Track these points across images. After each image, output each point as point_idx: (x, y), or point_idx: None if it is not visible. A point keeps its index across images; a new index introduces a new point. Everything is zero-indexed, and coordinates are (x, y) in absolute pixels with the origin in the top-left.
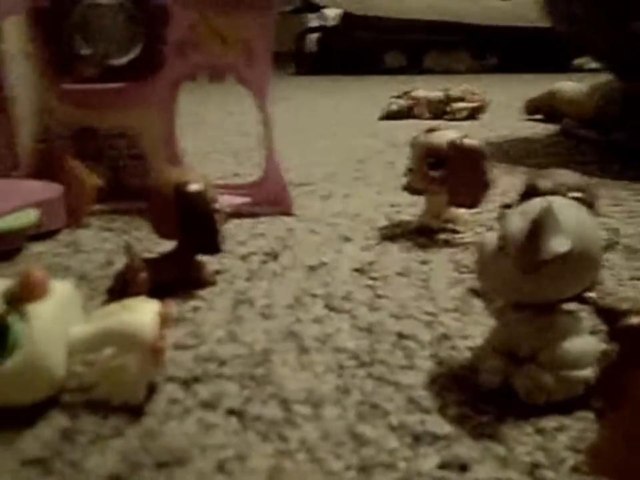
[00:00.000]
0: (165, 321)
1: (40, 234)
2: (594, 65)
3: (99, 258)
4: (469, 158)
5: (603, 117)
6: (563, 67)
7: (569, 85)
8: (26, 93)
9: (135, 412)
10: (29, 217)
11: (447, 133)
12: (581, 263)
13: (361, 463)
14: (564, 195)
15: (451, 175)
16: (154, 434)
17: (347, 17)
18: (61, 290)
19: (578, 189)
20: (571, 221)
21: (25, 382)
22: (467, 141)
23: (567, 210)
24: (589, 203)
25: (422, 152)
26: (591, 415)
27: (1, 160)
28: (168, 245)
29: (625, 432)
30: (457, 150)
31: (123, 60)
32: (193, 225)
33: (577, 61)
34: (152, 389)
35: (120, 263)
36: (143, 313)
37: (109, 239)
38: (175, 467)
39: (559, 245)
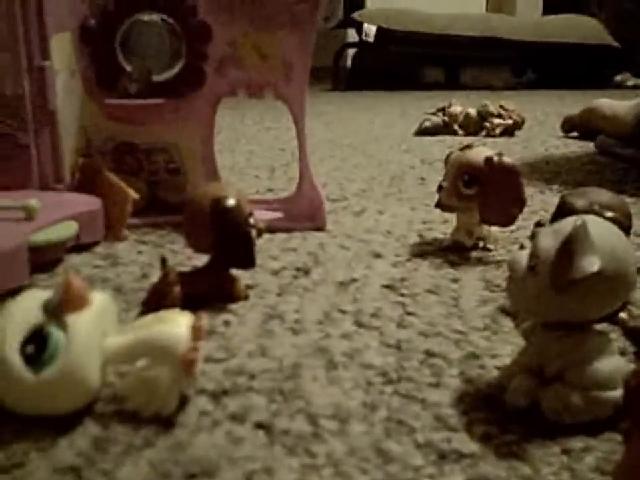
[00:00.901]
0: (198, 333)
1: (79, 246)
2: (635, 81)
3: (135, 270)
4: (504, 176)
5: None
6: (603, 83)
7: (606, 102)
8: (70, 108)
9: (165, 423)
10: (68, 229)
11: (483, 151)
12: (613, 283)
13: (386, 479)
14: (598, 214)
15: (485, 192)
16: (184, 445)
17: (382, 32)
18: (99, 301)
19: (612, 208)
20: (604, 241)
21: (61, 391)
22: (503, 159)
23: (600, 229)
24: (623, 222)
25: (457, 169)
26: (618, 437)
27: (44, 173)
28: (202, 259)
29: None
30: (492, 167)
31: (165, 76)
32: (228, 239)
33: (618, 78)
34: (183, 401)
35: (155, 275)
36: (176, 325)
37: (144, 252)
38: (203, 478)
39: (590, 264)
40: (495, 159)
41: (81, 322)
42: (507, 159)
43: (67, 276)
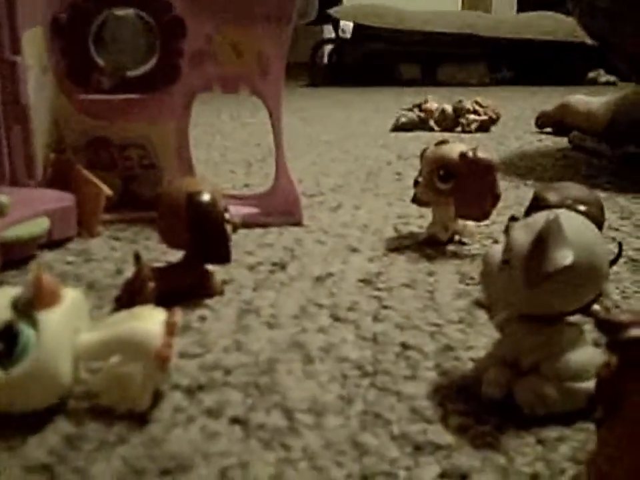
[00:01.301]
0: (171, 329)
1: (51, 242)
2: (607, 78)
3: (109, 267)
4: (480, 170)
5: (615, 130)
6: (576, 80)
7: (580, 99)
8: (42, 104)
9: (139, 419)
10: (40, 225)
11: (458, 146)
12: (586, 275)
13: (362, 472)
14: (571, 208)
15: (460, 187)
16: (158, 441)
17: (359, 29)
18: (71, 297)
19: (585, 202)
20: (577, 234)
21: (32, 388)
22: (478, 154)
23: (573, 223)
24: (596, 216)
25: (432, 164)
26: (592, 426)
27: (16, 169)
28: (177, 255)
29: (623, 442)
30: (467, 162)
31: (139, 71)
32: (203, 235)
33: (592, 75)
34: (157, 397)
35: (129, 271)
36: (149, 321)
37: (118, 248)
38: (178, 474)
39: (563, 257)
40: (470, 153)
41: (51, 319)
42: (481, 154)
43: (37, 272)
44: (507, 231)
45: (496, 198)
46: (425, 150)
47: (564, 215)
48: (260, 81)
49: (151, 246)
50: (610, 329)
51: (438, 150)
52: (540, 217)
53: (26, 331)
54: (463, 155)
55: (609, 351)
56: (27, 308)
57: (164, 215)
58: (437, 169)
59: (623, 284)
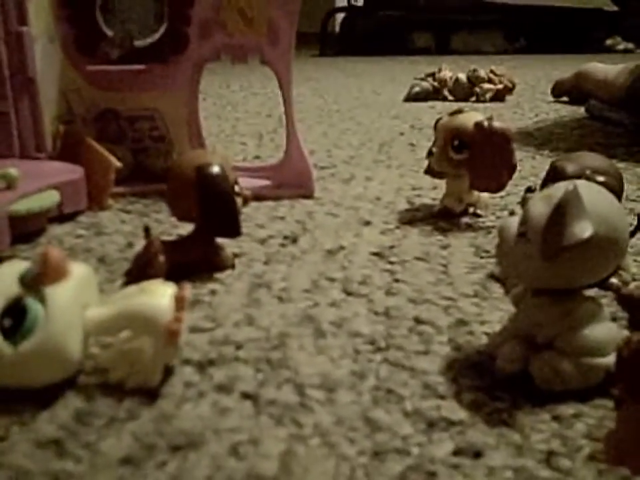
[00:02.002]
0: (181, 304)
1: (61, 216)
2: (625, 45)
3: (119, 240)
4: (495, 140)
5: (633, 98)
6: (593, 47)
7: (598, 66)
8: (50, 75)
9: (149, 395)
10: (50, 198)
11: (473, 115)
12: (605, 248)
13: (374, 448)
14: (589, 179)
15: (475, 157)
16: (168, 417)
17: None
18: (79, 271)
19: (604, 173)
20: (596, 206)
21: (41, 363)
22: (494, 123)
23: (592, 194)
24: (615, 187)
25: (447, 134)
26: (609, 403)
27: (25, 141)
28: (187, 228)
29: None
30: (483, 132)
31: (147, 41)
32: (212, 207)
33: (609, 42)
34: (168, 372)
35: (139, 245)
36: (159, 296)
37: (129, 222)
38: (188, 450)
39: (582, 230)
40: (485, 123)
41: (59, 294)
42: (497, 124)
43: (45, 247)
44: (523, 202)
45: (512, 169)
46: (438, 120)
47: (583, 186)
48: (269, 50)
49: (161, 219)
50: (633, 304)
51: (452, 119)
52: (558, 188)
53: (34, 306)
54: (478, 125)
55: (631, 328)
56: (34, 283)
57: (173, 188)
58: (451, 139)
59: None
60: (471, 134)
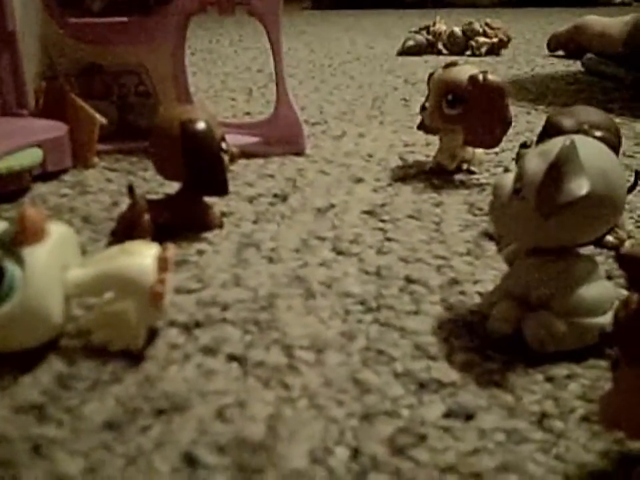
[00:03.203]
0: (165, 265)
1: (45, 174)
2: None
3: (105, 199)
4: (490, 95)
5: (631, 52)
6: (590, 0)
7: (595, 19)
8: (31, 29)
9: (134, 358)
10: (33, 156)
11: (468, 69)
12: (602, 206)
13: (364, 411)
14: (587, 134)
15: (470, 112)
16: (153, 380)
17: None
18: (58, 232)
19: (601, 127)
20: (594, 162)
21: (21, 326)
22: (489, 77)
23: (589, 150)
24: (612, 142)
25: (440, 88)
26: (604, 364)
27: (6, 98)
28: (175, 186)
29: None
30: (477, 86)
31: None
32: (198, 165)
33: None
34: (152, 334)
35: (125, 204)
36: (142, 256)
37: (114, 180)
38: (173, 414)
39: (579, 187)
40: (480, 76)
41: (38, 255)
42: (492, 77)
43: (22, 207)
44: (518, 158)
45: (507, 124)
46: (432, 73)
47: (580, 141)
48: (257, 1)
49: (148, 177)
50: (632, 265)
51: (446, 73)
52: (555, 144)
53: (11, 268)
54: (472, 78)
55: (630, 289)
56: (12, 245)
57: (157, 145)
58: (445, 94)
59: (637, 213)
60: (465, 88)
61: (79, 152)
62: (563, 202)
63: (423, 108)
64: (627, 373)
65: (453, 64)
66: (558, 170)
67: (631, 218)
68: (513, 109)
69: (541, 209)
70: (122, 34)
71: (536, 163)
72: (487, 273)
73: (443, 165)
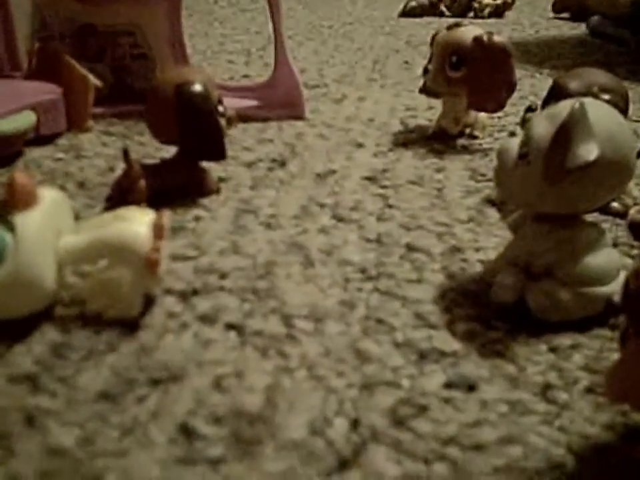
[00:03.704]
0: (160, 231)
1: (39, 138)
2: None
3: (100, 164)
4: (494, 56)
5: (638, 14)
6: None
7: None
8: None
9: (129, 326)
10: (26, 119)
11: (472, 29)
12: (611, 171)
13: (363, 381)
14: (595, 96)
15: (474, 74)
16: (149, 349)
17: None
18: (50, 198)
19: (610, 90)
20: (603, 126)
21: (13, 294)
22: (494, 38)
23: (598, 113)
24: (621, 105)
25: (443, 50)
26: (608, 333)
27: None
28: (171, 151)
29: None
30: (482, 48)
31: None
32: (194, 129)
33: None
34: (148, 302)
35: (121, 169)
36: (136, 223)
37: (110, 144)
38: (169, 384)
39: (588, 152)
40: (485, 37)
41: (29, 221)
42: (497, 38)
43: (12, 173)
44: (523, 122)
45: (511, 87)
46: (435, 34)
47: (589, 104)
48: None
49: (144, 141)
50: None
51: (450, 34)
52: (563, 107)
53: (1, 234)
54: (477, 39)
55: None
56: (2, 211)
57: (153, 108)
58: (448, 55)
59: None
60: (469, 49)
61: (73, 115)
62: (571, 167)
63: (425, 70)
64: (635, 345)
65: (457, 25)
66: (567, 134)
67: (638, 184)
68: (517, 73)
69: (549, 175)
70: None
71: (543, 126)
72: (489, 240)
73: (446, 130)
